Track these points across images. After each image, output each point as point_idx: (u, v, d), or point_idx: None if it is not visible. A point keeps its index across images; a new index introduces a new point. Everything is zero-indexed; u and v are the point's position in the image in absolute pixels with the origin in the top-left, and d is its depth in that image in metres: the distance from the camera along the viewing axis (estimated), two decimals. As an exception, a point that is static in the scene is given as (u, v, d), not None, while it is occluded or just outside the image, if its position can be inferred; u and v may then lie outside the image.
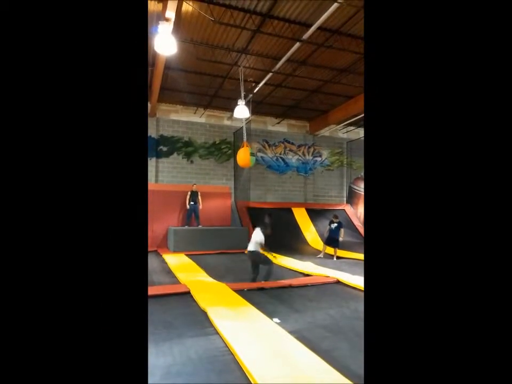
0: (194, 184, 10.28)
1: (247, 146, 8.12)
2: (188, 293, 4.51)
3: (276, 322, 3.32)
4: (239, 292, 4.54)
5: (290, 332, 3.02)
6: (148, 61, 8.18)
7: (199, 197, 9.87)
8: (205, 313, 3.63)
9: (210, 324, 3.33)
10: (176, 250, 8.83)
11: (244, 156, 8.01)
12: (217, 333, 3.09)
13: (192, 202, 9.75)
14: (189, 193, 9.83)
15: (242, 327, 3.14)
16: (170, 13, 5.70)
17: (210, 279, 5.49)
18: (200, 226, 9.78)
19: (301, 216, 11.90)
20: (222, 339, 2.92)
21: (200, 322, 3.41)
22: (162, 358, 2.55)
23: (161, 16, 5.93)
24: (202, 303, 3.93)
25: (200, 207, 9.84)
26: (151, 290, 4.50)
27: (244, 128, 8.49)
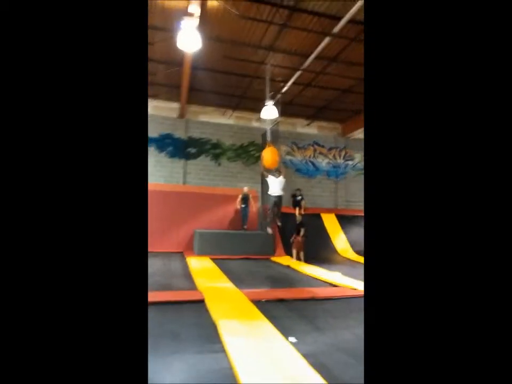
0: (246, 187, 10.47)
1: (270, 146, 7.66)
2: (201, 301, 4.22)
3: (291, 342, 2.93)
4: (257, 302, 4.19)
5: (305, 355, 2.61)
6: (175, 60, 8.10)
7: (251, 199, 10.14)
8: (215, 326, 3.31)
9: (218, 339, 3.00)
10: (201, 253, 8.72)
11: (270, 156, 7.48)
12: (224, 350, 2.75)
13: (243, 205, 10.01)
14: (240, 196, 10.10)
15: (252, 347, 2.77)
16: (194, 7, 5.52)
17: (229, 286, 5.19)
18: (244, 227, 9.99)
19: (330, 222, 11.34)
20: (228, 359, 2.58)
21: (209, 336, 3.09)
22: (159, 375, 2.26)
23: (187, 13, 5.76)
24: (215, 314, 3.62)
25: (253, 209, 10.10)
26: (163, 296, 4.28)
27: (268, 128, 8.11)
